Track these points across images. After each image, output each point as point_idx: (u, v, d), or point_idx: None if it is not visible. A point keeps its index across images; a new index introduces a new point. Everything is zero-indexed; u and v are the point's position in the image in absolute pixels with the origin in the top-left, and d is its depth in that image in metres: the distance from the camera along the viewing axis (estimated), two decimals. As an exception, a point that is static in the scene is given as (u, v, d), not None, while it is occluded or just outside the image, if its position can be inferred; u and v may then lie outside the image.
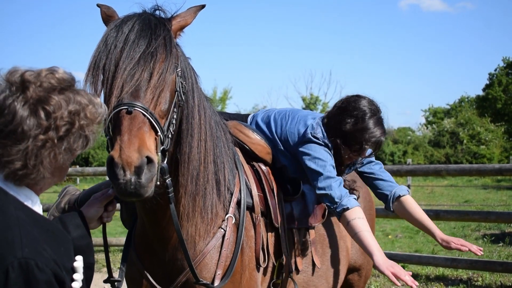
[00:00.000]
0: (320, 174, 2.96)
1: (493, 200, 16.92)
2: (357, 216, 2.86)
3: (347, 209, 2.87)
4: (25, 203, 1.65)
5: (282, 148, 3.18)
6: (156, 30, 2.27)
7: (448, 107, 46.28)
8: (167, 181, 2.24)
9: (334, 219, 3.49)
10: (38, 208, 1.70)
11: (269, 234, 2.97)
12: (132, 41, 2.20)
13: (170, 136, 2.26)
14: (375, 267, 2.76)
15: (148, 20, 2.30)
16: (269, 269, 2.95)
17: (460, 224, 11.58)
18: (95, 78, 2.19)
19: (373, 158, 3.40)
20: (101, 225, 2.33)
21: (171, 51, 2.28)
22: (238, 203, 2.78)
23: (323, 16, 70.11)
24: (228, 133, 2.89)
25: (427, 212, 6.95)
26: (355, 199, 2.95)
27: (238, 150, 3.00)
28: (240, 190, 2.80)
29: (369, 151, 3.17)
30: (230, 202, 2.74)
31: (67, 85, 1.68)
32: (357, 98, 3.13)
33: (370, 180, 3.41)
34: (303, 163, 3.05)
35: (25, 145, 1.57)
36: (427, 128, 42.01)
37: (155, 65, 2.20)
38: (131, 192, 2.01)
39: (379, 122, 3.10)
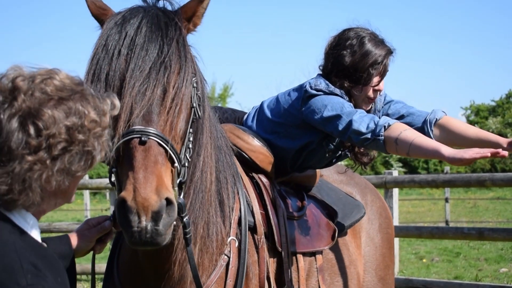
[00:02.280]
0: (339, 116, 2.94)
1: (548, 215, 16.85)
2: (402, 129, 2.80)
3: (388, 126, 2.81)
4: (21, 226, 1.65)
5: (290, 127, 3.19)
6: (168, 32, 2.23)
7: (494, 104, 46.08)
8: (184, 219, 2.21)
9: (342, 241, 3.47)
10: (35, 232, 1.71)
11: (271, 259, 2.96)
12: (140, 47, 2.16)
13: (186, 164, 2.23)
14: (450, 162, 2.65)
15: (157, 18, 2.25)
16: None
17: (509, 245, 11.52)
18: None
19: (391, 97, 3.43)
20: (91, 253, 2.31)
21: (186, 57, 2.25)
22: (239, 222, 2.75)
23: (336, 2, 70.27)
24: (228, 140, 2.88)
25: (468, 230, 6.94)
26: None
27: (235, 159, 2.96)
28: (240, 207, 2.77)
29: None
30: (231, 222, 2.70)
31: (67, 94, 1.64)
32: (345, 30, 3.23)
33: None
34: (317, 124, 3.04)
35: (11, 167, 1.55)
36: (468, 129, 41.81)
37: (169, 78, 2.17)
38: (146, 242, 1.99)
39: (379, 42, 3.18)
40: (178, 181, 2.15)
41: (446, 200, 16.07)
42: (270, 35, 70.16)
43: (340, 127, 2.92)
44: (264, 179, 3.15)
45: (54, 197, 1.69)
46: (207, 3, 2.41)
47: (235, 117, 3.44)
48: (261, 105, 3.37)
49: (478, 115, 45.23)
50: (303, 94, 3.10)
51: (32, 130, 1.55)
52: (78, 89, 1.68)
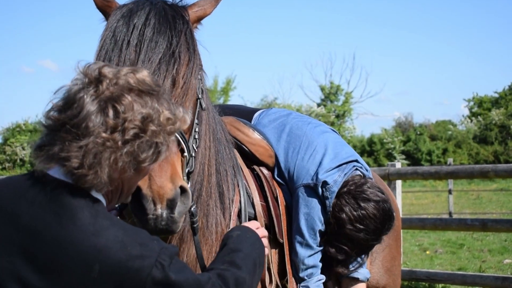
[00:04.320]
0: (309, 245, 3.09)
1: (551, 206, 16.84)
2: None
3: None
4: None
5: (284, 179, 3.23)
6: (176, 25, 2.24)
7: (497, 95, 45.96)
8: (192, 208, 2.24)
9: None
10: None
11: (273, 250, 2.98)
12: (149, 38, 2.17)
13: (193, 154, 2.27)
14: None
15: (164, 11, 2.27)
16: None
17: (513, 236, 11.54)
18: None
19: None
20: None
21: (194, 50, 2.28)
22: (239, 214, 2.77)
23: (344, -11, 70.08)
24: (228, 133, 2.89)
25: (472, 222, 6.94)
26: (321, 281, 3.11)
27: (235, 151, 2.98)
28: (240, 199, 2.79)
29: None
30: (231, 214, 2.72)
31: (146, 89, 1.74)
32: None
33: None
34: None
35: (86, 142, 1.63)
36: (471, 121, 41.82)
37: (179, 70, 2.19)
38: (161, 229, 2.01)
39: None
40: (187, 171, 2.19)
41: (449, 191, 16.06)
42: (272, 30, 70.12)
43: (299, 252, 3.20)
44: (265, 171, 3.16)
45: (115, 182, 1.75)
46: (218, 3, 2.47)
47: (246, 113, 3.46)
48: (265, 118, 3.39)
49: (481, 106, 45.18)
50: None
51: (111, 112, 1.65)
52: (156, 88, 1.79)
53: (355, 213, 3.02)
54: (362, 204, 3.02)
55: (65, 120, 1.65)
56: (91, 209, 1.65)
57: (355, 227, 3.02)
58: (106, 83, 1.68)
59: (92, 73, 1.71)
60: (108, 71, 1.72)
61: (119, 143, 1.66)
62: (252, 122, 3.35)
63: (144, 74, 1.77)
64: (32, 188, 1.68)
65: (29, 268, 1.60)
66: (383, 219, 3.07)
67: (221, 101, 38.58)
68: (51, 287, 1.57)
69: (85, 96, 1.65)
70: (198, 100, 2.31)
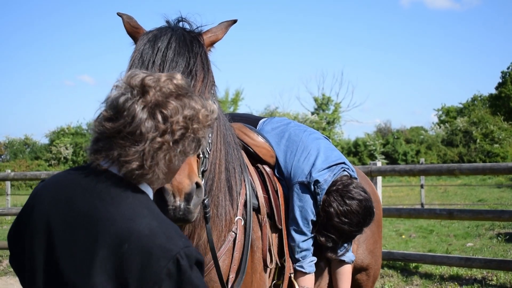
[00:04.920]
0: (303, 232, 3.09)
1: (507, 199, 16.76)
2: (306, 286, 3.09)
3: (303, 273, 3.09)
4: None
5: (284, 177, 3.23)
6: (193, 48, 2.26)
7: (461, 106, 45.75)
8: (205, 201, 2.28)
9: None
10: None
11: (273, 235, 2.99)
12: (170, 59, 2.19)
13: (207, 156, 2.29)
14: None
15: (183, 36, 2.28)
16: (272, 270, 2.97)
17: (474, 224, 11.49)
18: None
19: None
20: None
21: (208, 69, 2.29)
22: (245, 204, 2.78)
23: (334, 17, 69.92)
24: (236, 137, 2.90)
25: (440, 211, 6.94)
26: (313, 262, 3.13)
27: (242, 152, 3.00)
28: (246, 192, 2.80)
29: None
30: (238, 205, 2.74)
31: (184, 92, 1.72)
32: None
33: None
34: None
35: (143, 147, 1.61)
36: (440, 127, 41.61)
37: (195, 85, 2.21)
38: (179, 218, 2.02)
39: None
40: (202, 170, 2.20)
41: (422, 186, 16.00)
42: (274, 50, 70.06)
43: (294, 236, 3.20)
44: (268, 169, 3.18)
45: (167, 176, 1.75)
46: (228, 30, 2.49)
47: (252, 120, 3.47)
48: (268, 125, 3.40)
49: (448, 115, 44.98)
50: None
51: (160, 118, 1.63)
52: (190, 90, 1.77)
53: (341, 208, 3.05)
54: (348, 202, 3.05)
55: (119, 128, 1.62)
56: (134, 199, 1.64)
57: (341, 220, 3.05)
58: (152, 92, 1.65)
59: (136, 83, 1.67)
60: (149, 80, 1.68)
61: (171, 143, 1.65)
62: (257, 128, 3.36)
63: (179, 79, 1.75)
64: (87, 178, 1.68)
65: (73, 239, 1.61)
66: (364, 215, 3.10)
67: (231, 109, 38.55)
68: (90, 257, 1.57)
69: (135, 105, 1.62)
70: None
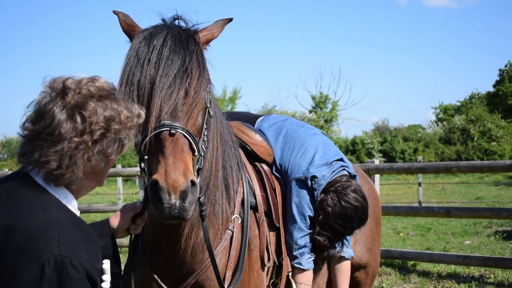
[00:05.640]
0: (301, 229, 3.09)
1: (504, 196, 16.78)
2: (304, 282, 3.10)
3: (301, 269, 3.09)
4: (63, 202, 1.72)
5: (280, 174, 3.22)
6: (189, 46, 2.25)
7: (459, 104, 45.79)
8: (201, 199, 2.26)
9: None
10: (73, 208, 1.77)
11: (271, 233, 2.98)
12: (166, 57, 2.18)
13: (202, 154, 2.28)
14: None
15: (179, 34, 2.27)
16: (270, 269, 2.96)
17: (472, 221, 11.50)
18: (129, 94, 2.16)
19: None
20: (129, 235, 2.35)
21: (204, 67, 2.29)
22: (242, 202, 2.77)
23: (332, 15, 69.87)
24: (233, 134, 2.89)
25: (438, 209, 6.95)
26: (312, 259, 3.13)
27: (240, 150, 2.99)
28: (243, 190, 2.79)
29: None
30: (235, 203, 2.72)
31: (105, 94, 1.74)
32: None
33: None
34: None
35: (61, 147, 1.64)
36: (438, 125, 41.60)
37: (191, 83, 2.20)
38: (174, 216, 2.02)
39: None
40: (197, 168, 2.19)
41: (419, 184, 16.01)
42: (272, 49, 70.01)
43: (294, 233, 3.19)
44: (265, 167, 3.17)
45: (91, 177, 1.77)
46: (223, 28, 2.48)
47: (250, 117, 3.46)
48: (265, 123, 3.39)
49: (446, 113, 45.04)
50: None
51: (78, 118, 1.67)
52: (113, 92, 1.79)
53: (337, 210, 3.07)
54: (344, 205, 3.07)
55: (40, 130, 1.66)
56: (35, 200, 1.66)
57: (335, 221, 3.08)
58: (71, 94, 1.69)
59: (57, 86, 1.70)
60: (70, 82, 1.72)
61: (89, 143, 1.68)
62: (255, 126, 3.35)
63: (101, 81, 1.78)
64: (6, 183, 1.72)
65: None
66: (358, 220, 3.14)
67: (229, 108, 38.49)
68: None
69: (54, 107, 1.66)
70: (207, 109, 2.31)
